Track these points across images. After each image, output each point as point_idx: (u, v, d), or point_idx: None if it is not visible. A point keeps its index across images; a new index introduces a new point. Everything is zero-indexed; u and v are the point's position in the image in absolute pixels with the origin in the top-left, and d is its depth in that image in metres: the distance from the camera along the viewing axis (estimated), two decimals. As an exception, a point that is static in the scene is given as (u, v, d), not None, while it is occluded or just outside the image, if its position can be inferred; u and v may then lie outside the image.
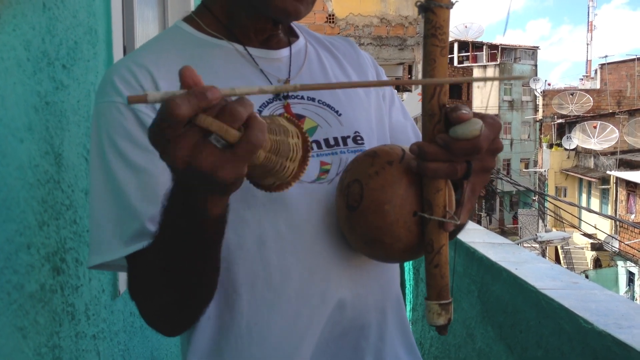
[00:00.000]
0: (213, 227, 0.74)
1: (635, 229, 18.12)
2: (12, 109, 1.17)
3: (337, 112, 1.03)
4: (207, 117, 0.60)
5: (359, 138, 1.03)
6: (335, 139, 1.01)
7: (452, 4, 0.79)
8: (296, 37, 1.10)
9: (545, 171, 27.53)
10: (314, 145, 0.98)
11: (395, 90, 1.21)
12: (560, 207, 18.76)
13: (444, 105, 0.80)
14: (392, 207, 0.84)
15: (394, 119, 1.14)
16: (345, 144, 1.01)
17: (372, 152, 0.89)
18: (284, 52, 1.05)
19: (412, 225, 0.85)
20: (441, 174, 0.80)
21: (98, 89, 0.95)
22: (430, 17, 0.78)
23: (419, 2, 0.79)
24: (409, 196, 0.84)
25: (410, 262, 3.23)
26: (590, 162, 24.34)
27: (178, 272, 0.81)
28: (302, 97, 1.01)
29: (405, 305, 1.29)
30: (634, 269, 19.04)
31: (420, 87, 9.40)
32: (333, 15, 9.49)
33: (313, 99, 1.02)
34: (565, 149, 26.05)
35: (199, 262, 0.80)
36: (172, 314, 0.88)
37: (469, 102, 35.10)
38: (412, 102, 8.90)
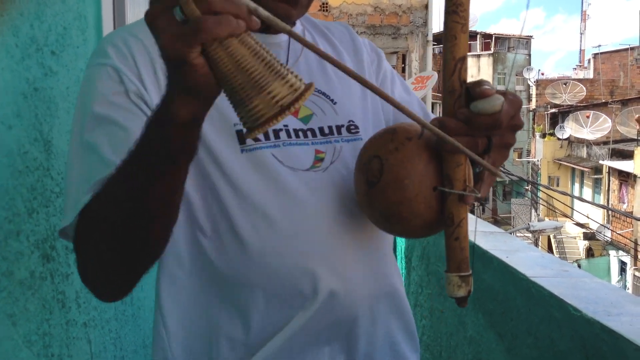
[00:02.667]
0: (178, 136, 0.69)
1: (627, 219, 18.21)
2: (0, 96, 1.16)
3: (332, 100, 1.03)
4: None
5: (352, 127, 1.03)
6: (330, 127, 1.01)
7: None
8: (294, 23, 1.09)
9: (538, 161, 27.61)
10: (309, 133, 0.98)
11: (395, 70, 1.21)
12: (552, 197, 18.84)
13: (465, 81, 0.81)
14: (412, 182, 0.84)
15: (397, 96, 1.14)
16: (339, 132, 1.01)
17: (392, 129, 0.90)
18: (283, 37, 1.05)
19: (431, 200, 0.85)
20: (461, 149, 0.80)
21: (92, 53, 0.97)
22: None
23: None
24: (429, 171, 0.85)
25: (402, 251, 3.24)
26: (583, 152, 24.42)
27: (132, 199, 0.75)
28: None
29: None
30: (626, 259, 19.17)
31: (414, 76, 9.39)
32: (327, 3, 9.46)
33: None
34: (558, 139, 26.12)
35: (157, 185, 0.73)
36: (114, 267, 0.82)
37: (462, 91, 35.09)
38: (406, 91, 8.88)
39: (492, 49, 38.16)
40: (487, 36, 39.01)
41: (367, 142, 0.91)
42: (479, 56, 37.94)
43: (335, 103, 1.03)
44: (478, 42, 38.76)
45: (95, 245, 0.82)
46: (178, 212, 0.80)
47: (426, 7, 9.58)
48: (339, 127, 1.02)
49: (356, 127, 1.03)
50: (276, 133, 0.96)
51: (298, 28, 1.09)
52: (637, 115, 21.57)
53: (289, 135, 0.97)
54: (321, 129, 1.00)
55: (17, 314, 1.21)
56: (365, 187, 0.89)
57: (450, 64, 0.80)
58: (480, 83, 0.80)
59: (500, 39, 39.35)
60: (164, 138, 0.69)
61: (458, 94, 0.81)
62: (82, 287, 1.57)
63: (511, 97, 0.81)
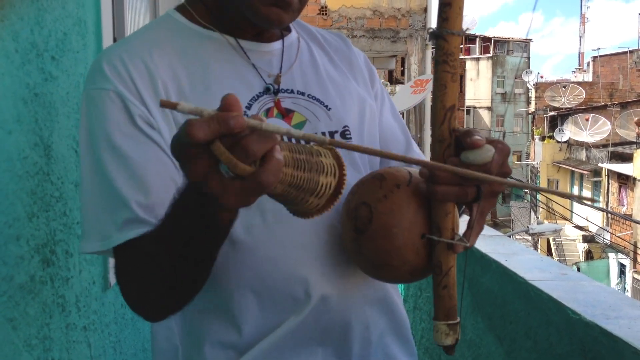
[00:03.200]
0: (220, 231, 0.76)
1: (627, 221, 18.22)
2: (0, 101, 1.17)
3: (326, 106, 1.03)
4: (220, 146, 0.59)
5: (347, 132, 1.03)
6: (323, 133, 1.01)
7: (464, 32, 0.80)
8: (288, 30, 1.10)
9: (537, 163, 27.61)
10: (302, 140, 0.99)
11: (386, 89, 1.21)
12: (552, 200, 18.83)
13: (454, 130, 0.81)
14: (401, 230, 0.84)
15: (384, 119, 1.15)
16: (332, 138, 1.02)
17: (379, 174, 0.89)
18: (276, 45, 1.05)
19: (420, 248, 0.85)
20: (451, 198, 0.81)
21: (88, 74, 0.96)
22: (442, 44, 0.80)
23: (431, 30, 0.80)
24: (418, 219, 0.85)
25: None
26: (582, 155, 24.42)
27: (175, 263, 0.81)
28: (292, 91, 1.02)
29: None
30: (625, 261, 19.16)
31: (413, 79, 9.39)
32: (326, 7, 9.47)
33: (303, 93, 1.03)
34: (558, 142, 26.12)
35: (198, 257, 0.80)
36: (162, 301, 0.88)
37: (461, 94, 35.11)
38: (405, 94, 8.90)
39: (491, 52, 38.19)
40: (486, 39, 39.05)
41: (354, 187, 0.91)
42: (478, 59, 37.98)
43: (329, 109, 1.03)
44: (477, 45, 38.81)
45: (140, 284, 0.88)
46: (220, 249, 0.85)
47: (425, 10, 9.59)
48: (332, 133, 1.02)
49: (350, 132, 1.04)
50: None
51: (293, 35, 1.09)
52: (636, 118, 21.59)
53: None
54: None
55: (17, 318, 1.22)
56: (353, 234, 0.88)
57: (440, 113, 0.81)
58: (470, 133, 0.80)
59: (499, 42, 39.39)
60: (207, 231, 0.75)
61: (447, 142, 0.81)
62: (81, 291, 1.57)
63: (500, 145, 0.82)
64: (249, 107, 0.97)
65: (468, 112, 35.91)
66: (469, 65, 37.32)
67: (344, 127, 1.03)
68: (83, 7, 1.62)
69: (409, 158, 0.73)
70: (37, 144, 1.32)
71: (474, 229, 0.85)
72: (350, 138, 1.03)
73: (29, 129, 1.28)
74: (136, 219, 0.86)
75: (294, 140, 0.94)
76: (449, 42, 0.79)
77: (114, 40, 1.91)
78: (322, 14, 9.47)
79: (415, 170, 0.89)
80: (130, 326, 2.02)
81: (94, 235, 0.89)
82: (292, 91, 1.02)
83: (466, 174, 0.76)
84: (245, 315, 0.95)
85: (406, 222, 0.84)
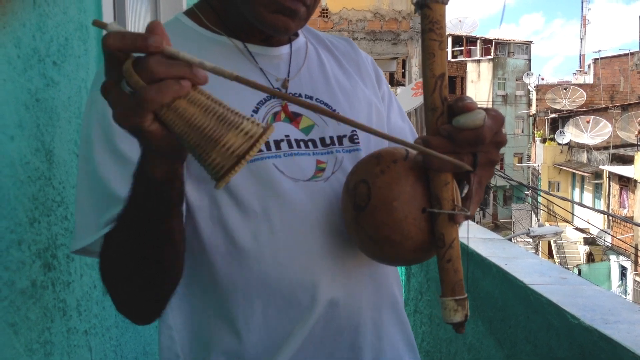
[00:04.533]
0: (158, 190, 0.74)
1: (628, 224, 18.20)
2: (2, 107, 1.18)
3: (334, 110, 1.03)
4: (129, 60, 0.61)
5: (355, 137, 1.03)
6: (331, 137, 1.01)
7: (447, 0, 0.80)
8: (296, 35, 1.10)
9: (538, 166, 27.60)
10: (310, 144, 0.99)
11: (393, 92, 1.22)
12: (553, 202, 18.83)
13: (446, 99, 0.81)
14: (401, 203, 0.84)
15: (392, 121, 1.15)
16: (340, 143, 1.02)
17: (376, 153, 0.89)
18: (284, 49, 1.05)
19: (421, 222, 0.84)
20: (448, 167, 0.81)
21: (94, 76, 0.97)
22: (427, 13, 0.80)
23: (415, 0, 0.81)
24: (417, 192, 0.84)
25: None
26: (583, 157, 24.41)
27: (136, 242, 0.81)
28: (300, 95, 1.02)
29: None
30: (627, 264, 19.15)
31: (413, 81, 9.40)
32: (327, 9, 9.48)
33: (311, 97, 1.03)
34: (559, 144, 26.12)
35: (153, 231, 0.79)
36: (137, 296, 0.88)
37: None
38: (406, 96, 8.91)
39: (492, 54, 38.20)
40: (487, 41, 39.05)
41: (354, 168, 0.92)
42: (479, 61, 37.98)
43: (337, 113, 1.04)
44: (478, 47, 38.81)
45: (116, 280, 0.88)
46: (183, 244, 0.85)
47: (426, 13, 9.58)
48: (340, 138, 1.02)
49: (358, 137, 1.04)
50: (277, 144, 0.96)
51: (301, 40, 1.10)
52: (639, 119, 21.58)
53: (290, 146, 0.97)
54: (322, 140, 1.00)
55: (18, 322, 1.22)
56: (353, 211, 0.88)
57: (431, 81, 0.81)
58: (461, 98, 0.80)
59: (501, 44, 39.40)
60: (146, 193, 0.75)
61: (440, 111, 0.81)
62: (82, 295, 1.58)
63: (493, 113, 0.82)
64: (256, 110, 0.97)
65: (469, 114, 35.71)
66: (470, 67, 37.31)
67: (352, 131, 1.03)
68: (84, 12, 1.63)
69: (393, 137, 0.74)
70: (39, 149, 1.32)
71: (473, 199, 0.84)
72: (359, 142, 1.03)
73: (31, 134, 1.29)
74: None
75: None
76: (433, 10, 0.80)
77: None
78: (323, 17, 9.48)
79: (411, 150, 0.88)
80: (131, 330, 2.03)
81: (81, 233, 0.91)
82: (300, 95, 1.02)
83: (450, 161, 0.78)
84: (250, 325, 0.95)
85: (405, 195, 0.84)
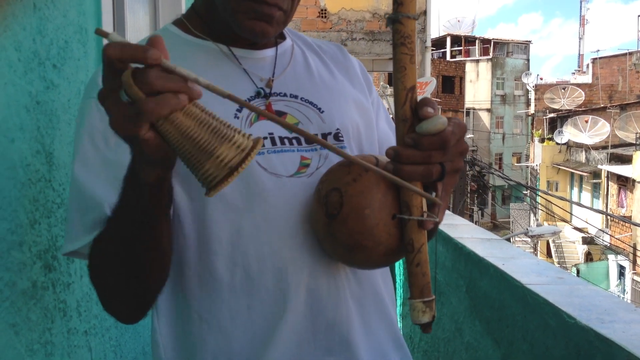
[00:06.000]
0: (150, 195, 0.77)
1: (626, 223, 18.22)
2: (3, 110, 1.19)
3: (319, 109, 1.05)
4: (129, 71, 0.63)
5: (340, 135, 1.05)
6: (315, 135, 1.02)
7: (418, 15, 0.84)
8: (283, 38, 1.12)
9: (537, 165, 27.63)
10: (294, 141, 1.00)
11: (380, 99, 1.23)
12: (551, 202, 18.85)
13: (415, 108, 0.84)
14: (372, 211, 0.86)
15: (380, 127, 1.16)
16: (326, 140, 1.03)
17: (347, 162, 0.91)
18: (269, 52, 1.07)
19: (391, 228, 0.87)
20: (417, 176, 0.84)
21: (85, 87, 1.00)
22: (399, 28, 0.84)
23: (387, 15, 0.84)
24: (387, 200, 0.87)
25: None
26: (582, 157, 24.44)
27: (126, 246, 0.84)
28: (285, 95, 1.04)
29: (396, 299, 1.30)
30: (625, 263, 19.17)
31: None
32: (325, 10, 9.49)
33: (296, 96, 1.05)
34: (557, 144, 26.14)
35: (142, 235, 0.82)
36: (124, 296, 0.91)
37: (461, 96, 35.13)
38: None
39: (490, 54, 38.22)
40: (485, 41, 39.08)
41: (323, 176, 0.94)
42: (477, 61, 38.01)
43: (322, 111, 1.05)
44: (477, 47, 38.84)
45: (103, 281, 0.91)
46: (170, 247, 0.89)
47: (425, 13, 9.60)
48: (324, 135, 1.03)
49: (342, 135, 1.05)
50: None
51: (287, 43, 1.11)
52: None
53: (273, 143, 0.99)
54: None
55: (19, 323, 1.23)
56: (325, 219, 0.90)
57: (402, 93, 0.84)
58: (423, 103, 0.84)
59: (499, 44, 39.43)
60: (137, 197, 0.78)
61: (410, 122, 0.85)
62: (82, 296, 1.59)
63: (456, 120, 0.86)
64: (239, 110, 0.99)
65: (468, 113, 35.93)
66: (469, 67, 37.35)
67: (337, 129, 1.05)
68: (84, 15, 1.64)
69: (354, 158, 0.79)
70: (39, 152, 1.33)
71: (440, 205, 0.88)
72: (343, 140, 1.04)
73: (31, 137, 1.30)
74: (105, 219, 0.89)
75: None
76: (405, 25, 0.84)
77: (115, 46, 1.93)
78: (322, 17, 9.49)
79: (382, 156, 0.92)
80: (131, 330, 2.04)
81: (68, 237, 0.94)
82: (284, 94, 1.04)
83: (404, 185, 0.83)
84: (236, 320, 0.97)
85: (376, 202, 0.87)
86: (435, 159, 0.84)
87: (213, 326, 0.97)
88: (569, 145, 25.76)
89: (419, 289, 0.88)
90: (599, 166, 21.95)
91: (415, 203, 0.86)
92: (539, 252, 22.71)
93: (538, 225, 21.59)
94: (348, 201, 0.87)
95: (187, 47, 1.03)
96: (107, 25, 1.83)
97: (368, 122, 1.11)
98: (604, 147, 23.02)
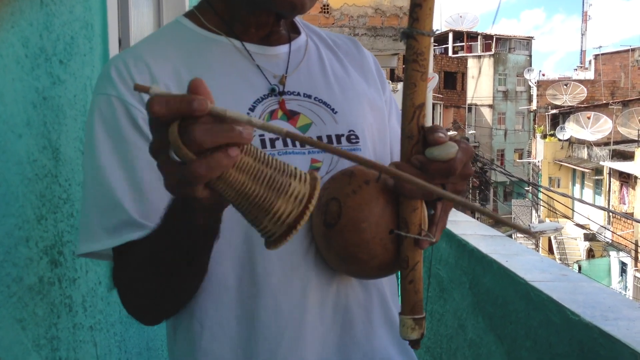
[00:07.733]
0: (199, 234, 0.77)
1: (628, 220, 18.22)
2: (10, 106, 1.19)
3: (332, 109, 1.03)
4: (175, 126, 0.58)
5: (353, 137, 1.02)
6: (329, 137, 1.01)
7: (434, 32, 0.82)
8: (298, 33, 1.10)
9: (539, 162, 27.61)
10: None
11: (394, 98, 1.22)
12: (553, 198, 18.84)
13: (422, 127, 0.83)
14: (369, 225, 0.86)
15: (391, 124, 1.14)
16: (338, 142, 1.01)
17: (349, 171, 0.91)
18: (283, 48, 1.05)
19: (387, 242, 0.87)
20: (418, 195, 0.84)
21: (97, 81, 0.98)
22: (413, 44, 0.82)
23: (402, 29, 0.82)
24: (385, 214, 0.87)
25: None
26: (584, 153, 24.41)
27: (167, 266, 0.84)
28: (298, 94, 1.02)
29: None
30: (627, 259, 19.17)
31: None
32: (327, 5, 9.47)
33: (309, 96, 1.02)
34: (559, 140, 26.12)
35: (187, 262, 0.83)
36: (155, 304, 0.91)
37: (463, 92, 35.09)
38: (407, 92, 8.88)
39: (492, 49, 38.14)
40: (487, 37, 38.98)
41: (326, 183, 0.92)
42: (479, 57, 37.92)
43: (335, 112, 1.03)
44: (479, 42, 38.75)
45: (134, 290, 0.91)
46: (207, 266, 0.88)
47: (427, 9, 9.56)
48: (338, 137, 1.01)
49: (357, 137, 1.03)
50: (272, 142, 0.96)
51: (302, 39, 1.09)
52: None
53: (285, 144, 0.97)
54: (319, 139, 1.00)
55: (26, 318, 1.24)
56: (323, 228, 0.90)
57: (410, 110, 0.83)
58: (434, 129, 0.82)
59: (501, 40, 39.34)
60: (188, 234, 0.76)
61: (416, 139, 0.83)
62: (88, 291, 1.60)
63: (464, 145, 0.84)
64: (252, 108, 0.97)
65: (470, 110, 35.90)
66: (471, 63, 37.28)
67: (350, 130, 1.02)
68: (90, 11, 1.64)
69: (378, 165, 0.68)
70: (46, 147, 1.34)
71: (438, 225, 0.88)
72: (357, 142, 1.02)
73: (38, 132, 1.30)
74: (129, 222, 0.89)
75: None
76: (419, 42, 0.82)
77: (119, 42, 1.93)
78: (324, 12, 9.47)
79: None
80: (135, 325, 2.04)
81: (88, 238, 0.92)
82: (297, 93, 1.02)
83: (424, 186, 0.71)
84: (246, 320, 0.96)
85: (374, 216, 0.86)
86: (439, 181, 0.83)
87: (218, 328, 0.97)
88: (571, 142, 25.73)
89: (410, 306, 0.88)
90: (601, 163, 21.92)
91: (414, 220, 0.85)
92: (540, 249, 22.70)
93: (540, 221, 21.58)
94: (346, 213, 0.87)
95: (202, 42, 1.01)
96: (112, 20, 1.82)
97: (381, 123, 1.10)
98: (606, 144, 23.00)
